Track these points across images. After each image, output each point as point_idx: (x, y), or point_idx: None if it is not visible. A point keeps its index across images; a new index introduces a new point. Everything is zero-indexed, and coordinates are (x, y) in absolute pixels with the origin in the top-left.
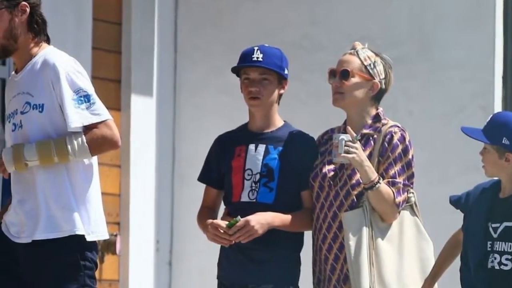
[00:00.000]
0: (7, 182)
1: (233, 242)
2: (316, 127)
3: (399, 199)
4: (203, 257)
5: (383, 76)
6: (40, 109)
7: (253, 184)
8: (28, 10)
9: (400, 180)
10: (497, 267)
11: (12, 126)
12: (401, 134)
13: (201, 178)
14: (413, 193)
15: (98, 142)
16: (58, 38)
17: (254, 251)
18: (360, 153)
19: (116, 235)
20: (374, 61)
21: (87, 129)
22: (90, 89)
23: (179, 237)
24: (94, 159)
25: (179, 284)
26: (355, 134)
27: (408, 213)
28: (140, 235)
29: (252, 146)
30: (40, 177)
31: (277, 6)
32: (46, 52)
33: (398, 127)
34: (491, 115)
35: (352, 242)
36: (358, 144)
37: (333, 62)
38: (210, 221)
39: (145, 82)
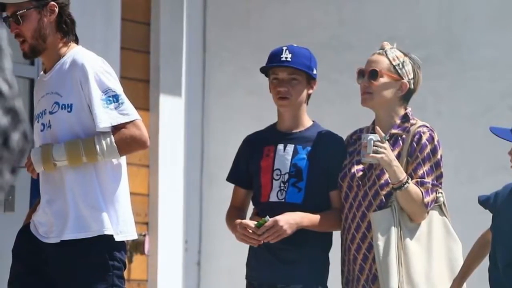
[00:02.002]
0: (36, 182)
1: (262, 242)
2: (345, 127)
3: (428, 199)
4: (231, 257)
5: (411, 76)
6: (69, 109)
7: (282, 184)
8: (56, 10)
9: (428, 180)
10: None
11: (40, 126)
12: (430, 134)
13: (229, 178)
14: (441, 193)
15: (127, 142)
16: (86, 38)
17: (283, 251)
18: (388, 153)
19: (144, 235)
20: (403, 61)
21: (116, 129)
22: (118, 89)
23: (208, 237)
24: (123, 159)
25: (207, 284)
26: (383, 134)
27: (437, 213)
28: (169, 235)
29: (280, 146)
30: (68, 177)
31: (305, 7)
32: (74, 52)
33: (427, 127)
34: None
35: (380, 242)
36: (386, 144)
37: (362, 62)
38: (238, 221)
39: (174, 82)
